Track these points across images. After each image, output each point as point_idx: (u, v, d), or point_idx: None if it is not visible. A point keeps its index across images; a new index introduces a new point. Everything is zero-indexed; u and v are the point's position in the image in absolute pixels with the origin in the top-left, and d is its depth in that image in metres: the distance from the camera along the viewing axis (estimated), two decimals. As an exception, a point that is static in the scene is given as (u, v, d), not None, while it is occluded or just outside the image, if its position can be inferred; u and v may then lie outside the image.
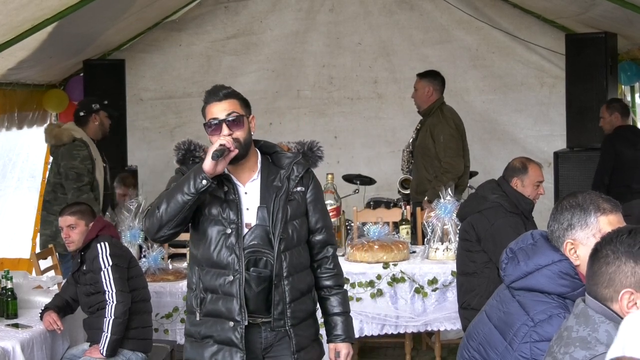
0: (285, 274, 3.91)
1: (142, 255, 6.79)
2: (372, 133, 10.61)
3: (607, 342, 2.36)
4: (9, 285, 5.73)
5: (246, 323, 3.86)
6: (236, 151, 3.81)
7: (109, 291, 5.43)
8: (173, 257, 7.26)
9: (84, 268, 5.61)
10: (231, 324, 3.87)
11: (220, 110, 3.88)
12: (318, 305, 4.20)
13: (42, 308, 5.67)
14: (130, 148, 9.95)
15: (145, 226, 3.96)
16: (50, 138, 7.65)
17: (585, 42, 9.23)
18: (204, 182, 3.75)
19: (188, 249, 6.81)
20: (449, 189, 6.94)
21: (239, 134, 3.87)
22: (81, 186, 7.45)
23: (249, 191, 3.96)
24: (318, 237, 4.11)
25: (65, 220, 5.71)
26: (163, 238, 3.96)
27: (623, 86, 9.99)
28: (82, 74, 9.85)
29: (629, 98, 10.22)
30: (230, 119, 3.86)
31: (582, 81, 9.16)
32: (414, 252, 7.23)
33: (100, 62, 9.90)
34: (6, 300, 5.70)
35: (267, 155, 4.07)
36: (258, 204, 3.93)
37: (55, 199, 7.50)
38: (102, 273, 5.47)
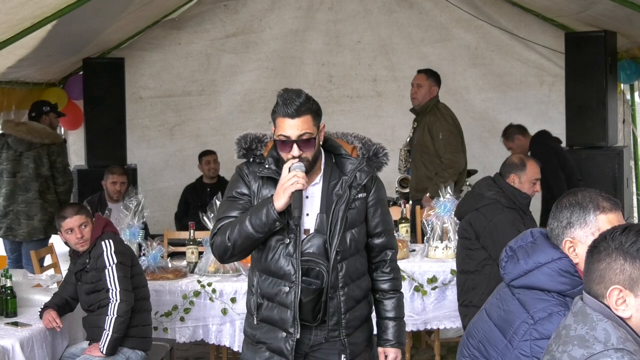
0: (340, 285, 3.90)
1: (141, 254, 6.79)
2: (371, 131, 10.48)
3: (605, 340, 2.37)
4: (9, 284, 5.72)
5: (298, 336, 3.87)
6: (307, 187, 3.79)
7: (112, 289, 5.42)
8: (172, 255, 7.27)
9: (88, 266, 5.59)
10: (284, 334, 3.89)
11: (291, 128, 3.78)
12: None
13: (42, 306, 5.67)
14: (129, 146, 9.94)
15: (214, 249, 3.97)
16: (42, 137, 8.46)
17: (584, 40, 9.22)
18: (277, 224, 3.78)
19: (188, 247, 6.85)
20: (448, 187, 6.95)
21: (309, 153, 3.82)
22: (72, 179, 8.78)
23: (311, 195, 3.92)
24: (377, 241, 4.07)
25: (75, 221, 5.59)
26: (231, 261, 4.15)
27: (622, 84, 10.00)
28: (81, 72, 9.86)
29: (628, 96, 10.23)
30: (302, 139, 3.79)
31: (581, 80, 9.15)
32: (414, 250, 7.24)
33: (100, 60, 9.90)
34: (5, 298, 5.69)
35: (331, 153, 4.01)
36: (318, 211, 3.90)
37: (48, 188, 8.49)
38: (106, 271, 5.45)
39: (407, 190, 8.64)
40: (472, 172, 9.11)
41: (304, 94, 3.83)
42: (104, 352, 5.40)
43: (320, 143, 3.92)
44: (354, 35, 10.70)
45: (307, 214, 3.90)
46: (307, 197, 3.89)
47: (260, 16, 10.66)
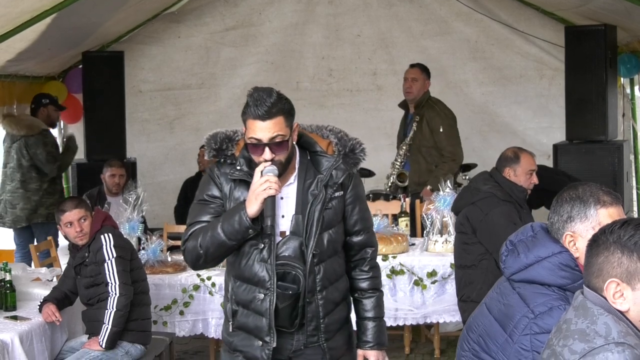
0: (318, 288, 3.74)
1: (141, 247, 6.79)
2: (371, 125, 10.60)
3: (605, 334, 2.36)
4: (8, 278, 5.72)
5: (274, 345, 3.71)
6: (280, 192, 3.63)
7: (111, 283, 5.42)
8: (172, 249, 7.27)
9: (87, 260, 5.59)
10: (260, 343, 3.74)
11: (263, 130, 3.59)
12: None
13: (41, 300, 5.66)
14: (129, 140, 9.93)
15: (185, 255, 3.82)
16: (19, 129, 8.73)
17: (584, 34, 9.21)
18: (251, 231, 3.62)
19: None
20: (448, 182, 6.96)
21: (282, 156, 3.63)
22: (59, 165, 8.90)
23: (286, 196, 3.74)
24: (356, 239, 3.91)
25: (74, 214, 5.58)
26: (203, 268, 3.94)
27: (622, 78, 9.98)
28: (81, 66, 9.84)
29: (628, 90, 10.22)
30: (274, 142, 3.60)
31: (581, 73, 9.14)
32: (413, 244, 7.24)
33: (99, 53, 9.88)
34: (5, 292, 5.70)
35: (306, 150, 3.83)
36: (293, 212, 3.73)
37: (31, 178, 8.77)
38: (105, 265, 5.45)
39: (405, 184, 8.61)
40: (471, 166, 9.11)
41: (275, 93, 3.64)
42: (104, 346, 5.40)
43: (294, 143, 3.76)
44: (354, 29, 10.68)
45: (283, 216, 3.74)
46: (282, 197, 3.72)
47: (259, 9, 10.64)
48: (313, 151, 3.83)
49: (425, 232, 7.18)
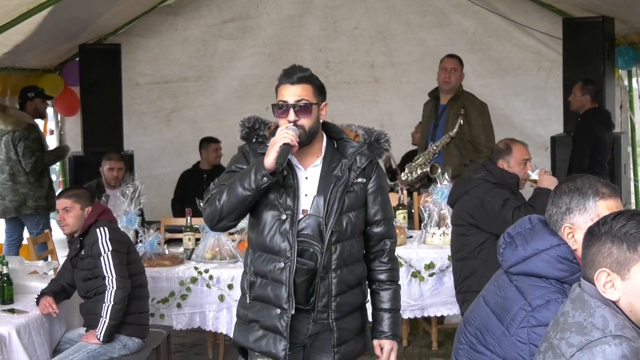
0: (333, 267, 3.86)
1: (138, 240, 6.78)
2: (368, 117, 10.56)
3: (602, 327, 2.37)
4: (5, 271, 5.71)
5: (293, 312, 3.81)
6: (297, 146, 3.77)
7: (108, 277, 5.41)
8: (169, 242, 7.26)
9: (82, 253, 5.58)
10: (278, 311, 3.83)
11: (290, 93, 3.82)
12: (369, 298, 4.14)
13: (38, 293, 5.65)
14: (126, 133, 9.93)
15: (205, 214, 3.94)
16: (7, 124, 8.90)
17: (582, 26, 9.21)
18: (265, 179, 3.73)
19: (185, 233, 6.86)
20: (445, 174, 6.95)
21: (305, 121, 3.82)
22: (34, 161, 8.91)
23: (310, 176, 3.92)
24: (376, 230, 4.03)
25: (61, 203, 5.63)
26: (222, 228, 4.03)
27: (620, 70, 9.98)
28: (78, 59, 9.83)
29: (625, 82, 10.22)
30: (298, 105, 3.81)
31: (579, 65, 9.14)
32: (411, 237, 7.23)
33: (96, 46, 9.88)
34: (2, 285, 5.68)
35: (333, 139, 4.01)
36: (316, 192, 3.88)
37: (19, 171, 8.94)
38: (101, 258, 5.44)
39: (435, 176, 8.31)
40: (471, 160, 9.06)
41: (310, 70, 3.90)
42: (101, 340, 5.39)
43: (320, 121, 3.92)
44: (351, 21, 10.67)
45: (306, 195, 3.88)
46: (306, 177, 3.90)
47: (257, 2, 10.63)
48: (339, 138, 4.00)
49: (422, 224, 7.17)
